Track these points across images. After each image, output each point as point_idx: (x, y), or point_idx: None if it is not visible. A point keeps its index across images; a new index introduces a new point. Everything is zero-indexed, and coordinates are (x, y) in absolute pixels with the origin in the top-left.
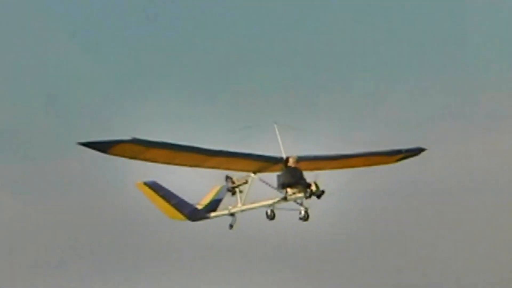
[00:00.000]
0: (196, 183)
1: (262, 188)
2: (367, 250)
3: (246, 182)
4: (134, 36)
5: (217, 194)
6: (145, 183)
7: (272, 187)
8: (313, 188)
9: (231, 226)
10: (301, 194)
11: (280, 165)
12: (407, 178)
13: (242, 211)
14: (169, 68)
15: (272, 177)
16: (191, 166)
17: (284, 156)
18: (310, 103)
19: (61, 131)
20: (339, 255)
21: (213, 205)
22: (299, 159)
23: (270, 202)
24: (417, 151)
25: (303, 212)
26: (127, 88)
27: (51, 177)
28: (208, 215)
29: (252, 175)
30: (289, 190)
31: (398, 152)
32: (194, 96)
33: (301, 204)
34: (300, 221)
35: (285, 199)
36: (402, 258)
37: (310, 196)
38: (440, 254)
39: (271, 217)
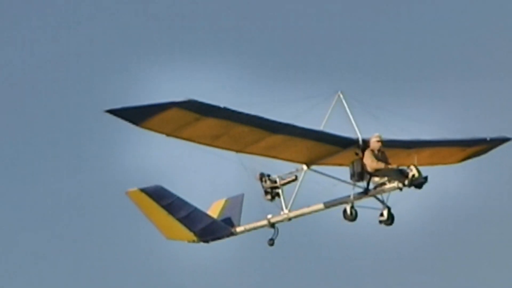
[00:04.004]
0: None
1: (312, 186)
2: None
3: (295, 179)
4: None
5: (221, 212)
6: (143, 190)
7: (336, 179)
8: (415, 173)
9: (271, 242)
10: (394, 184)
11: (353, 150)
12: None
13: (290, 219)
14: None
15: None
16: (237, 150)
17: (359, 136)
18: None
19: None
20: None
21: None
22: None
23: (340, 200)
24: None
25: (385, 214)
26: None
27: None
28: (233, 230)
29: (304, 167)
30: (375, 179)
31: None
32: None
33: (382, 202)
34: (381, 225)
35: (365, 193)
36: None
37: (410, 186)
38: None
39: (353, 217)
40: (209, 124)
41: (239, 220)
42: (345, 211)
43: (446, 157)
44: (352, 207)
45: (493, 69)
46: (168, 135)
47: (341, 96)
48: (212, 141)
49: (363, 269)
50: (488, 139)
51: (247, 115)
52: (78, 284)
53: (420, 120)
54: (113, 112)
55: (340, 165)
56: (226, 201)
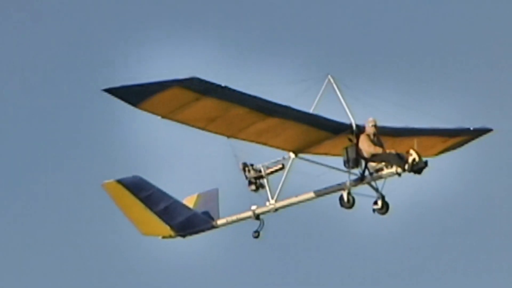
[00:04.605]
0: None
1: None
2: None
3: (282, 168)
4: None
5: (194, 208)
6: (120, 181)
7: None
8: (415, 157)
9: (257, 234)
10: (392, 169)
11: (346, 136)
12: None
13: (276, 210)
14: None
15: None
16: (229, 134)
17: (352, 122)
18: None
19: None
20: None
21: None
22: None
23: (335, 187)
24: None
25: (380, 202)
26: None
27: None
28: (214, 223)
29: (292, 155)
30: (372, 165)
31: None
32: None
33: (376, 190)
34: (375, 215)
35: (361, 179)
36: None
37: (410, 171)
38: None
39: (350, 204)
40: (207, 105)
41: (218, 215)
42: (341, 198)
43: (428, 148)
44: (349, 194)
45: (486, 60)
46: (163, 117)
47: (331, 79)
48: (206, 125)
49: (356, 263)
50: (471, 128)
51: (247, 95)
52: (51, 282)
53: (409, 107)
54: (111, 91)
55: (326, 154)
56: (198, 196)
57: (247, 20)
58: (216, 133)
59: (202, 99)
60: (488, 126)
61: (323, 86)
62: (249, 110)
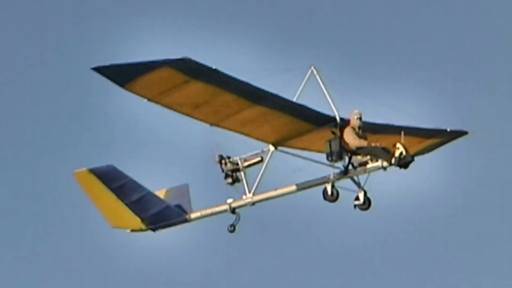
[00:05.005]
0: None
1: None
2: None
3: (261, 161)
4: None
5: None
6: (92, 171)
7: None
8: (402, 150)
9: (232, 228)
10: (378, 163)
11: (329, 129)
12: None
13: (254, 204)
14: None
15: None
16: (213, 122)
17: (336, 114)
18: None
19: None
20: None
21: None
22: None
23: (317, 181)
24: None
25: (361, 197)
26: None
27: None
28: (187, 216)
29: (271, 148)
30: (358, 158)
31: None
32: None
33: (358, 185)
34: (357, 211)
35: (345, 173)
36: None
37: (397, 165)
38: None
39: (334, 197)
40: (195, 89)
41: (191, 209)
42: (325, 191)
43: None
44: (333, 187)
45: (469, 61)
46: (149, 99)
47: (315, 71)
48: (191, 111)
49: (337, 259)
50: (448, 130)
51: (236, 79)
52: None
53: (391, 106)
54: (100, 69)
55: (305, 149)
56: (167, 191)
57: (228, 6)
58: (200, 120)
59: (190, 83)
60: (465, 128)
61: (306, 77)
62: (236, 97)
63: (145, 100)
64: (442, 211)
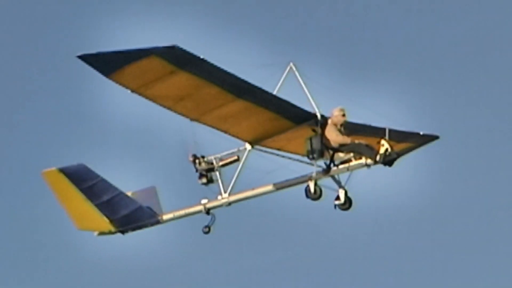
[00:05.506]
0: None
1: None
2: None
3: (237, 160)
4: None
5: None
6: (62, 170)
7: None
8: (387, 147)
9: (207, 229)
10: (361, 161)
11: (308, 127)
12: None
13: (230, 204)
14: None
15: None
16: (193, 117)
17: (317, 111)
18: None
19: None
20: None
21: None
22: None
23: (298, 179)
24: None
25: (342, 197)
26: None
27: None
28: (159, 218)
29: (248, 146)
30: (340, 155)
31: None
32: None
33: (338, 184)
34: (338, 211)
35: (327, 171)
36: None
37: (382, 162)
38: None
39: (317, 195)
40: (181, 80)
41: (161, 211)
42: (308, 189)
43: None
44: (316, 185)
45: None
46: (133, 91)
47: (294, 67)
48: (173, 104)
49: (316, 260)
50: (421, 133)
51: (223, 70)
52: None
53: (369, 107)
54: (85, 57)
55: (281, 149)
56: (132, 194)
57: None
58: (181, 113)
59: (176, 73)
60: (436, 133)
61: (285, 74)
62: (220, 90)
63: (129, 91)
64: (423, 210)
